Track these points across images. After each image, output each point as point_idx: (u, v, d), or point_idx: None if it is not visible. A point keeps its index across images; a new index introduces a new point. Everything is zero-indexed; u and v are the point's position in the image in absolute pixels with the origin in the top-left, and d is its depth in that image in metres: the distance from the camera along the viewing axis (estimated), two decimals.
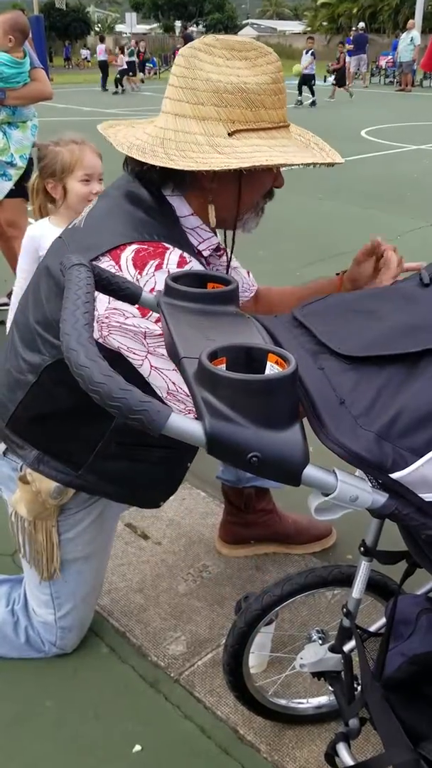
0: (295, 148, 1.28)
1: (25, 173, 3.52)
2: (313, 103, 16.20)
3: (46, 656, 1.70)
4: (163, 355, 1.26)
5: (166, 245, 1.24)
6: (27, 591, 1.69)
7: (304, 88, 16.28)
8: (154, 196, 1.31)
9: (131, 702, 1.60)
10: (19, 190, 3.52)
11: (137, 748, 1.50)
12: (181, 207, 1.32)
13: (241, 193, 1.31)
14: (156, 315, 1.21)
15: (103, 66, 21.16)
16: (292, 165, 1.23)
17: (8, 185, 3.48)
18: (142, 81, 23.39)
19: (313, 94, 16.30)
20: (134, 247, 1.23)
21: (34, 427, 1.45)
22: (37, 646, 1.69)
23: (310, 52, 16.27)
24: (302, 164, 1.24)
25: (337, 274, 1.60)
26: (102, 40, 22.42)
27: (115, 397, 0.69)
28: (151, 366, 1.28)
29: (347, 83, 18.12)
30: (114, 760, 1.47)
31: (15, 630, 1.69)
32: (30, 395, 1.40)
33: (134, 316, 1.23)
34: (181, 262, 1.24)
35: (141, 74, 23.77)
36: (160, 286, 1.20)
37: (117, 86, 20.03)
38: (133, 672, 1.67)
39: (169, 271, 1.22)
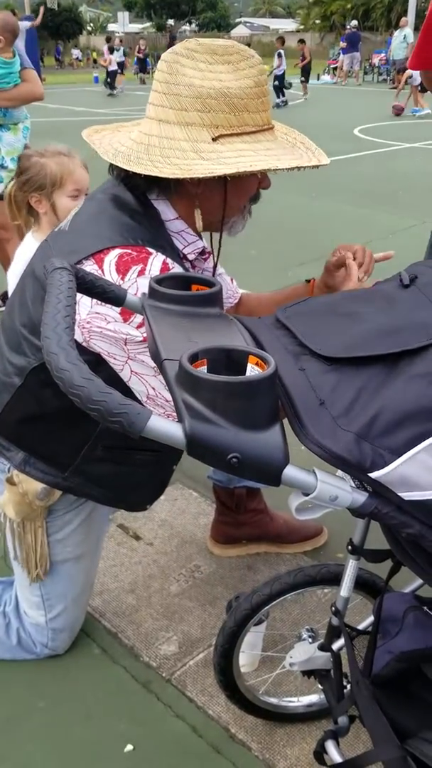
0: (280, 150, 1.28)
1: None
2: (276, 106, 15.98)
3: (38, 657, 1.71)
4: (143, 361, 1.26)
5: (150, 250, 1.25)
6: (18, 593, 1.69)
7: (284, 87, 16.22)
8: (139, 200, 1.31)
9: (123, 702, 1.61)
10: None
11: (129, 747, 1.50)
12: (166, 211, 1.33)
13: (226, 198, 1.32)
14: (138, 320, 1.22)
15: (114, 73, 20.32)
16: (276, 170, 1.23)
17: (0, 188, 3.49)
18: (143, 81, 23.09)
19: (278, 96, 16.12)
20: (118, 251, 1.24)
21: (20, 429, 1.46)
22: (28, 647, 1.70)
23: (278, 53, 16.27)
24: (286, 169, 1.24)
25: (307, 281, 1.61)
26: (108, 40, 21.42)
27: (94, 399, 0.70)
28: (132, 371, 1.29)
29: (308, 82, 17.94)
30: (106, 760, 1.48)
31: (7, 632, 1.70)
32: (16, 398, 1.41)
33: (115, 321, 1.23)
34: (164, 268, 1.24)
35: (142, 74, 23.45)
36: (144, 290, 1.21)
37: (109, 87, 19.56)
38: (125, 672, 1.68)
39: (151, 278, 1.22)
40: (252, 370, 0.81)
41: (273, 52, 16.97)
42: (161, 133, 1.25)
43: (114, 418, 0.69)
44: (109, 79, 19.67)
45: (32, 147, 3.59)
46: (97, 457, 1.44)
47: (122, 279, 1.22)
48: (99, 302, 1.22)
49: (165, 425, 0.72)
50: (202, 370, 0.78)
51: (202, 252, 1.41)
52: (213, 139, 1.22)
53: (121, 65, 20.47)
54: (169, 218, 1.33)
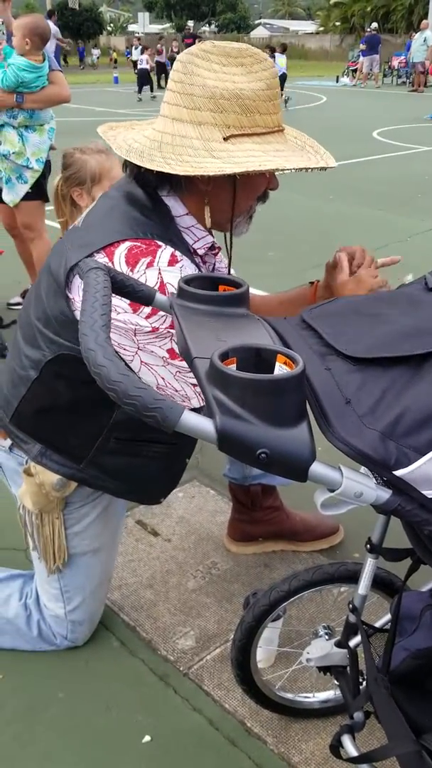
0: (289, 152, 1.31)
1: (42, 176, 3.55)
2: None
3: (58, 649, 1.74)
4: (152, 351, 1.30)
5: (159, 243, 1.29)
6: (38, 585, 1.73)
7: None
8: (150, 196, 1.35)
9: (141, 694, 1.63)
10: (36, 193, 3.56)
11: (147, 738, 1.53)
12: (176, 207, 1.36)
13: (236, 196, 1.35)
14: (147, 311, 1.26)
15: (144, 73, 19.17)
16: (284, 170, 1.26)
17: (25, 188, 3.52)
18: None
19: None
20: (127, 244, 1.28)
21: (36, 421, 1.49)
22: (49, 639, 1.73)
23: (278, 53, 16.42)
24: (294, 169, 1.27)
25: (311, 282, 1.64)
26: (138, 39, 19.93)
27: (130, 395, 0.73)
28: (141, 362, 1.33)
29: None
30: (124, 750, 1.51)
31: (28, 623, 1.73)
32: (32, 391, 1.44)
33: (125, 312, 1.27)
34: (172, 261, 1.28)
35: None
36: (150, 283, 1.24)
37: (141, 89, 18.33)
38: (143, 665, 1.71)
39: (159, 269, 1.26)
40: (280, 369, 0.84)
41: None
42: (174, 131, 1.28)
43: (149, 413, 0.72)
44: (141, 80, 18.49)
45: (55, 147, 3.64)
46: (110, 450, 1.48)
47: (132, 271, 1.26)
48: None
49: (197, 421, 0.75)
50: (232, 368, 0.81)
51: (212, 247, 1.44)
52: (224, 139, 1.26)
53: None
54: (179, 214, 1.36)
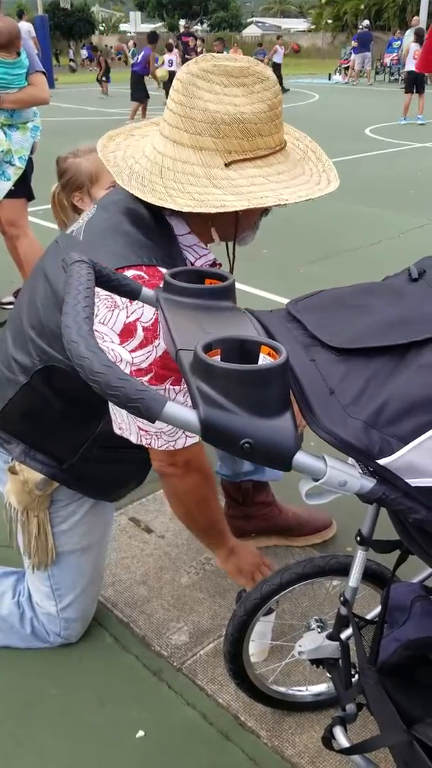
0: (290, 173, 1.30)
1: (24, 173, 3.56)
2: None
3: (52, 646, 1.74)
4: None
5: (162, 271, 1.26)
6: (29, 584, 1.73)
7: None
8: (153, 214, 1.33)
9: (135, 690, 1.64)
10: (18, 191, 3.57)
11: (140, 733, 1.53)
12: (179, 226, 1.35)
13: (238, 218, 1.34)
14: (134, 345, 1.25)
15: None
16: (286, 203, 1.23)
17: (7, 185, 3.52)
18: None
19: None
20: (131, 272, 1.26)
21: (21, 424, 1.50)
22: (42, 636, 1.73)
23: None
24: (295, 202, 1.25)
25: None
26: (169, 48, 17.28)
27: (113, 386, 0.73)
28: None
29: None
30: (118, 746, 1.51)
31: (21, 621, 1.73)
32: (20, 395, 1.44)
33: (112, 341, 1.26)
34: None
35: None
36: (147, 317, 1.24)
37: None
38: (136, 661, 1.71)
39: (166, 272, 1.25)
40: (264, 360, 0.84)
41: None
42: (175, 155, 1.27)
43: (132, 403, 0.73)
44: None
45: (46, 146, 3.64)
46: (93, 457, 1.49)
47: (130, 302, 1.24)
48: (101, 321, 1.26)
49: (180, 411, 0.75)
50: (216, 359, 0.81)
51: (213, 264, 1.44)
52: (226, 165, 1.24)
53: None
54: (182, 233, 1.36)
